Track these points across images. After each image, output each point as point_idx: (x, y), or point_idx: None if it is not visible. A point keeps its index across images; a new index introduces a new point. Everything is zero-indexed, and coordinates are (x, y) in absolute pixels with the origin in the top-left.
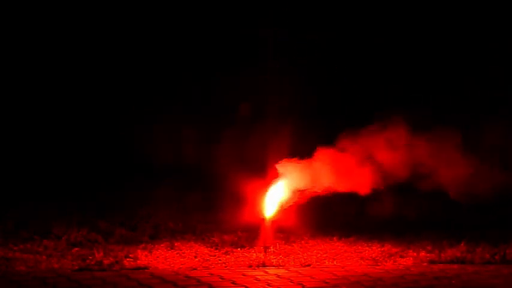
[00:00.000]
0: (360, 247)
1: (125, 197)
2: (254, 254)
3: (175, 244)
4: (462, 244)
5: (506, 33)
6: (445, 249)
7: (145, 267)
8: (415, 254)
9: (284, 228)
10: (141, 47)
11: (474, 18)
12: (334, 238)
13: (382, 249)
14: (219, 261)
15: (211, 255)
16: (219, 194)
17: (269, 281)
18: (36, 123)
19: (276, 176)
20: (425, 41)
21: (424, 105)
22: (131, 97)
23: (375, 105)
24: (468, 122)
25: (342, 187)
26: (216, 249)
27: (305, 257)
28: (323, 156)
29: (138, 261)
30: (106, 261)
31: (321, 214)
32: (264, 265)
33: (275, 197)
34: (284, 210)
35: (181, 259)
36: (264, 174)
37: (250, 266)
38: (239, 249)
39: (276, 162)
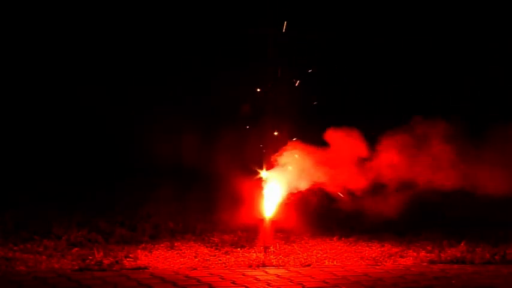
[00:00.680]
0: (360, 247)
1: (125, 197)
2: (254, 254)
3: (175, 244)
4: (462, 244)
5: None
6: (445, 249)
7: (145, 267)
8: (415, 254)
9: (284, 228)
10: (141, 46)
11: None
12: (334, 238)
13: (382, 249)
14: (219, 261)
15: (211, 255)
16: (219, 194)
17: (269, 281)
18: (37, 123)
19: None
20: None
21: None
22: (131, 97)
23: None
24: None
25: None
26: (216, 249)
27: (305, 257)
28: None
29: (138, 261)
30: (106, 261)
31: (321, 214)
32: (264, 265)
33: (274, 195)
34: (284, 210)
35: (181, 259)
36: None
37: (250, 266)
38: (239, 249)
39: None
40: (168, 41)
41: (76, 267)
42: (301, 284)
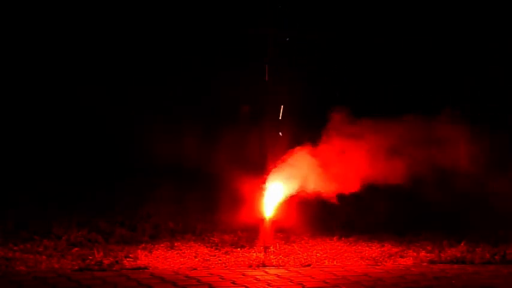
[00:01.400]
0: (360, 247)
1: (125, 197)
2: (254, 254)
3: (175, 244)
4: (462, 244)
5: None
6: (445, 249)
7: (145, 267)
8: (415, 254)
9: (284, 228)
10: (140, 46)
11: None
12: (334, 238)
13: (382, 249)
14: (219, 261)
15: (211, 255)
16: (219, 194)
17: (269, 281)
18: (36, 123)
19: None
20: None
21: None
22: (131, 97)
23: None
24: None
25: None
26: (216, 249)
27: (305, 257)
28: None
29: (138, 261)
30: (106, 261)
31: (321, 214)
32: (264, 265)
33: (275, 194)
34: (284, 210)
35: (181, 259)
36: (264, 174)
37: (250, 266)
38: (239, 249)
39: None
40: (168, 40)
41: (76, 267)
42: (301, 284)
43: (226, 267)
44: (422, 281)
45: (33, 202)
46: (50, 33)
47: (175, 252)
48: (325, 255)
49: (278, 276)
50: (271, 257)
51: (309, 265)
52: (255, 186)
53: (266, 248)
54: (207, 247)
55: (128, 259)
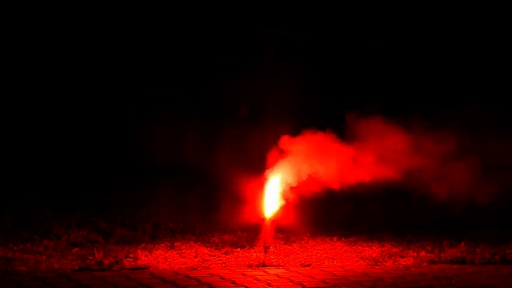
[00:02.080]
0: (360, 247)
1: (125, 197)
2: (254, 254)
3: (175, 244)
4: (462, 244)
5: None
6: (445, 249)
7: (145, 267)
8: (415, 254)
9: (284, 228)
10: (141, 47)
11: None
12: (334, 238)
13: (382, 249)
14: (219, 261)
15: (211, 255)
16: (219, 194)
17: (269, 281)
18: (37, 124)
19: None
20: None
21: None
22: (131, 97)
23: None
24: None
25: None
26: (216, 249)
27: (305, 257)
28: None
29: (138, 261)
30: (106, 261)
31: (321, 214)
32: (264, 265)
33: (275, 191)
34: (284, 210)
35: (181, 259)
36: (264, 174)
37: (250, 266)
38: (239, 249)
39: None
40: (168, 41)
41: (76, 267)
42: (301, 284)
43: (226, 267)
44: (422, 281)
45: (33, 202)
46: (50, 34)
47: (175, 252)
48: (325, 255)
49: (278, 276)
50: (271, 257)
51: (309, 265)
52: (255, 186)
53: (266, 248)
54: (207, 247)
55: (128, 259)
